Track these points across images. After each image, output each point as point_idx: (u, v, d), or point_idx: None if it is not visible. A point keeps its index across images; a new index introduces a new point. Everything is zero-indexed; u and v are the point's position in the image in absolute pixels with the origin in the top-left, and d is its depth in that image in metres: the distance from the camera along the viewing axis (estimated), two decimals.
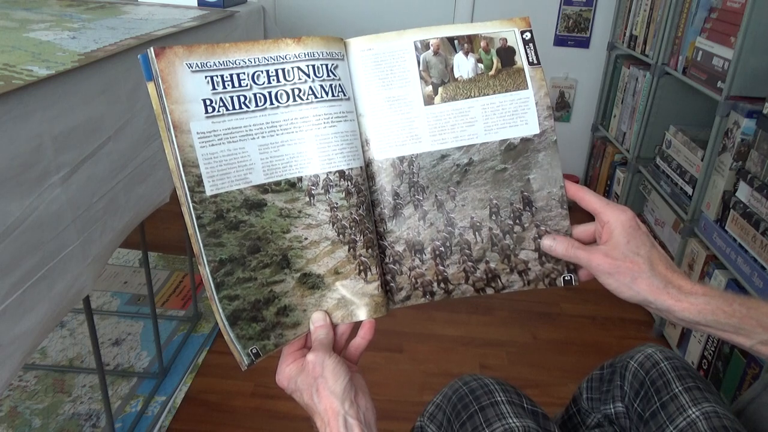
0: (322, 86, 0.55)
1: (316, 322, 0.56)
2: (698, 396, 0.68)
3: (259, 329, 0.54)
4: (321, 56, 0.55)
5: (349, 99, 0.57)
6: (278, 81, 0.55)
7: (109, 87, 0.85)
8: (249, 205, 0.54)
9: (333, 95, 0.56)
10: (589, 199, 0.58)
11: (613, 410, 0.77)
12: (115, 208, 0.88)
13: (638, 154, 2.03)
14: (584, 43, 2.47)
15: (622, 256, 0.54)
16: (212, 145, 0.52)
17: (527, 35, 0.61)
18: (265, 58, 0.54)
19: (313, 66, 0.55)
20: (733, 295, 0.53)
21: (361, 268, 0.57)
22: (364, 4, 2.47)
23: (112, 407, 1.36)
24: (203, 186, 0.52)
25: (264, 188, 0.54)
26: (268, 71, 0.54)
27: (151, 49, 0.50)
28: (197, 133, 0.51)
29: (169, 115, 0.50)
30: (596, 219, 0.58)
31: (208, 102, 0.52)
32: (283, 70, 0.55)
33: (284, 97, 0.55)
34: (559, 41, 2.46)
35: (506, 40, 0.60)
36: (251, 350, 0.53)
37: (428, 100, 0.59)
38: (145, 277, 1.40)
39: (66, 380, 1.46)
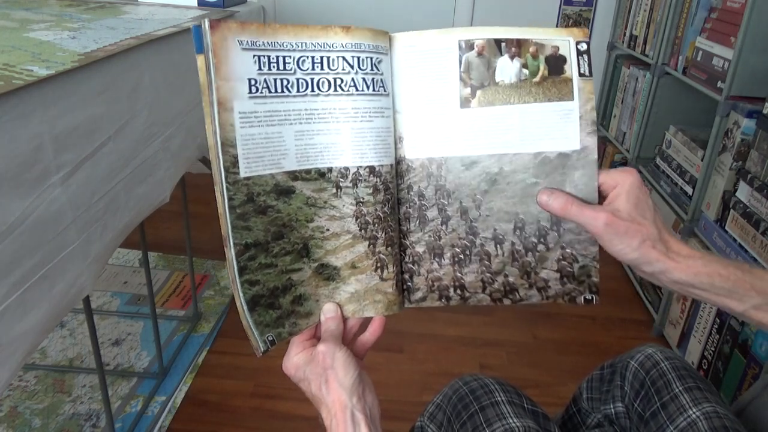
0: (364, 79, 0.54)
1: (328, 313, 0.56)
2: (698, 396, 0.68)
3: (276, 316, 0.54)
4: (367, 49, 0.54)
5: (388, 95, 0.56)
6: (322, 69, 0.54)
7: (109, 87, 0.85)
8: (278, 190, 0.53)
9: (374, 90, 0.55)
10: None
11: (613, 410, 0.77)
12: (115, 208, 0.88)
13: (638, 154, 2.03)
14: None
15: (630, 218, 0.52)
16: (251, 126, 0.51)
17: (583, 45, 0.57)
18: (312, 43, 0.53)
19: (358, 58, 0.54)
20: (728, 259, 0.53)
21: (379, 265, 0.57)
22: (364, 5, 2.47)
23: (112, 407, 1.36)
24: (238, 167, 0.51)
25: (294, 175, 0.54)
26: (313, 57, 0.53)
27: (207, 20, 0.49)
28: (239, 112, 0.50)
29: (215, 92, 0.49)
30: (601, 190, 0.56)
31: (253, 82, 0.51)
32: (328, 58, 0.54)
33: (325, 85, 0.54)
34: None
35: (558, 48, 0.56)
36: (267, 337, 0.53)
37: (465, 103, 0.56)
38: (145, 277, 1.40)
39: (66, 380, 1.46)
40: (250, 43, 0.51)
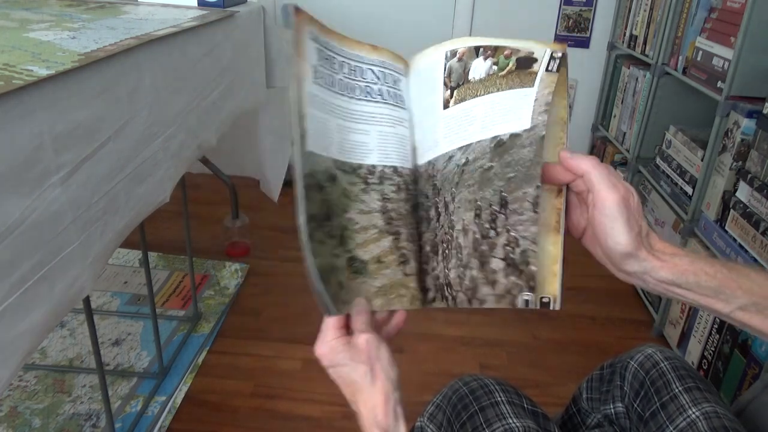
0: (388, 91, 0.60)
1: (360, 307, 0.57)
2: (698, 396, 0.68)
3: (332, 293, 0.55)
4: (389, 67, 0.61)
5: (405, 109, 0.61)
6: (356, 76, 0.59)
7: (109, 87, 0.85)
8: (327, 174, 0.56)
9: (395, 102, 0.61)
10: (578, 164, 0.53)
11: (613, 410, 0.77)
12: (115, 208, 0.88)
13: (638, 154, 2.03)
14: (584, 43, 2.47)
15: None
16: (314, 107, 0.54)
17: (558, 53, 0.57)
18: (349, 52, 0.59)
19: (383, 73, 0.60)
20: (714, 258, 0.52)
21: (402, 259, 0.58)
22: (364, 6, 2.47)
23: (112, 407, 1.36)
24: (306, 140, 0.53)
25: (337, 164, 0.56)
26: (350, 65, 0.59)
27: (292, 6, 0.54)
28: (308, 91, 0.54)
29: (297, 65, 0.53)
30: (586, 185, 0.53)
31: (314, 69, 0.55)
32: (361, 68, 0.59)
33: (357, 91, 0.59)
34: (559, 41, 2.46)
35: (533, 53, 0.58)
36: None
37: (446, 104, 0.60)
38: (145, 277, 1.40)
39: (66, 380, 1.46)
40: (315, 35, 0.56)
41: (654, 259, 0.51)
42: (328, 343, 0.55)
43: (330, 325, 0.56)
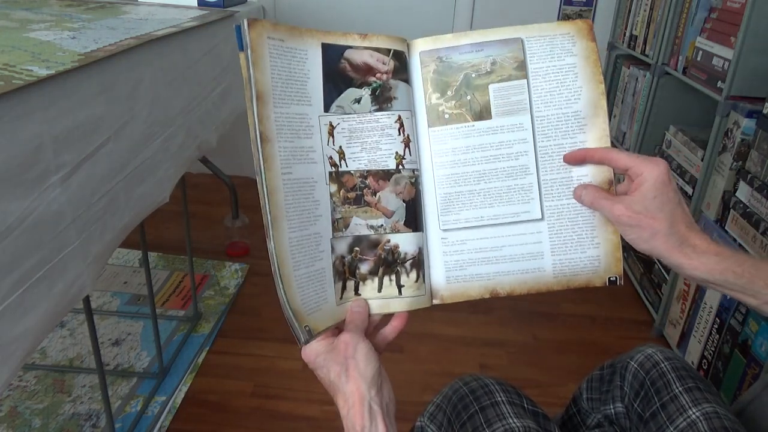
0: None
1: (356, 307, 0.57)
2: (698, 396, 0.68)
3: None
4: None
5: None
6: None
7: (109, 87, 0.85)
8: None
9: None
10: (617, 158, 0.57)
11: (613, 410, 0.77)
12: (115, 208, 0.88)
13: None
14: None
15: (644, 210, 0.54)
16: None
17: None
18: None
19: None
20: (745, 256, 0.54)
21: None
22: (364, 5, 2.47)
23: (112, 407, 1.36)
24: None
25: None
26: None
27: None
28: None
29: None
30: (627, 175, 0.57)
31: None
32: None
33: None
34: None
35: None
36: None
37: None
38: (145, 277, 1.40)
39: (66, 380, 1.46)
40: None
41: (681, 256, 0.54)
42: (312, 346, 0.55)
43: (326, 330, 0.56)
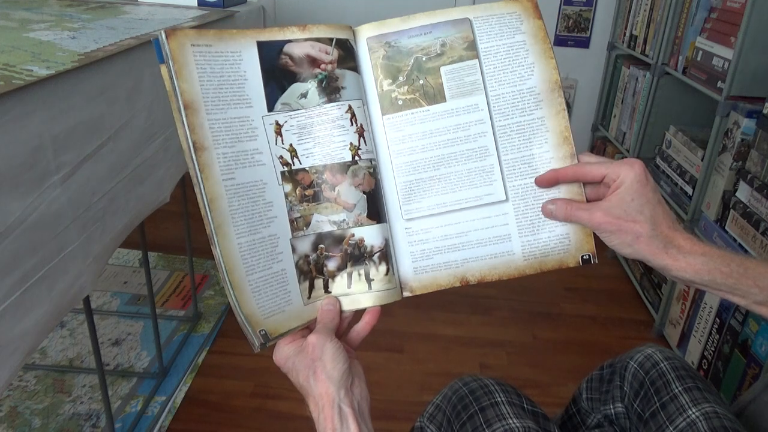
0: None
1: (326, 306, 0.56)
2: (698, 396, 0.68)
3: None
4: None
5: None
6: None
7: (109, 87, 0.85)
8: None
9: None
10: (590, 170, 0.56)
11: (612, 410, 0.77)
12: (115, 208, 0.88)
13: (638, 154, 2.03)
14: (584, 43, 2.47)
15: (624, 215, 0.53)
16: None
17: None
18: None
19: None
20: (732, 254, 0.53)
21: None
22: (364, 4, 2.47)
23: (112, 407, 1.36)
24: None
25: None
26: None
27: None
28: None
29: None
30: (604, 182, 0.56)
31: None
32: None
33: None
34: (559, 41, 2.46)
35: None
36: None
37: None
38: (145, 277, 1.40)
39: (66, 380, 1.46)
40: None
41: (666, 257, 0.53)
42: (282, 350, 0.55)
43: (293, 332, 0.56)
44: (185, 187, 1.52)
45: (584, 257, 0.59)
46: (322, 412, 0.51)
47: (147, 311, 1.65)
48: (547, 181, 0.58)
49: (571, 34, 2.45)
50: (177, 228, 2.16)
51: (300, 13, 2.49)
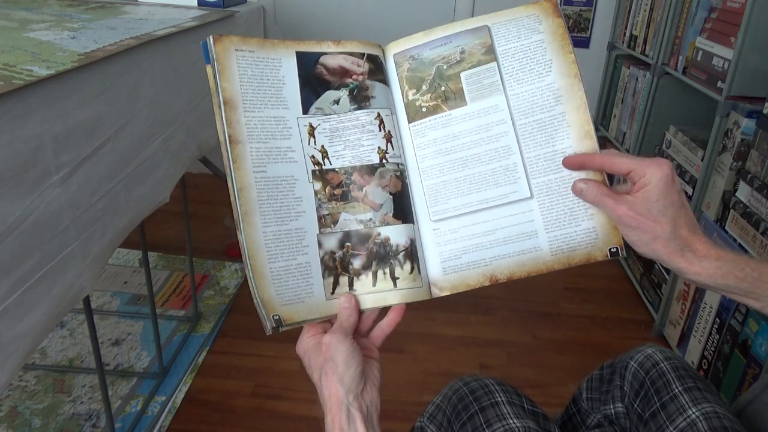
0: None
1: (343, 303, 0.56)
2: (698, 396, 0.68)
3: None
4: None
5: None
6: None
7: (109, 87, 0.85)
8: None
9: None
10: (618, 162, 0.56)
11: (613, 410, 0.77)
12: (115, 208, 0.88)
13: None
14: (584, 43, 2.47)
15: (647, 212, 0.53)
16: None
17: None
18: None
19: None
20: (747, 259, 0.53)
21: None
22: (364, 4, 2.47)
23: (112, 407, 1.36)
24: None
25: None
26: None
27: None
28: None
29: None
30: (629, 177, 0.56)
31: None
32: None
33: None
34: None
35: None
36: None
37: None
38: (145, 277, 1.40)
39: (66, 380, 1.46)
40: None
41: (681, 260, 0.53)
42: (303, 342, 0.55)
43: (310, 323, 0.56)
44: (185, 187, 1.52)
45: (612, 250, 0.59)
46: (330, 413, 0.51)
47: (147, 311, 1.65)
48: (574, 164, 0.58)
49: (571, 34, 2.45)
50: (177, 228, 2.16)
51: (300, 14, 2.49)
